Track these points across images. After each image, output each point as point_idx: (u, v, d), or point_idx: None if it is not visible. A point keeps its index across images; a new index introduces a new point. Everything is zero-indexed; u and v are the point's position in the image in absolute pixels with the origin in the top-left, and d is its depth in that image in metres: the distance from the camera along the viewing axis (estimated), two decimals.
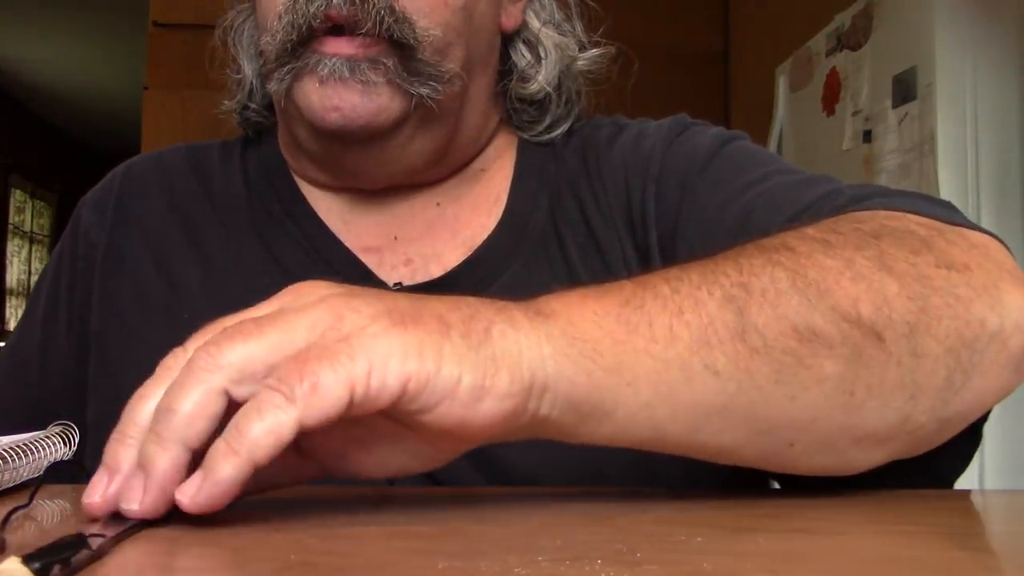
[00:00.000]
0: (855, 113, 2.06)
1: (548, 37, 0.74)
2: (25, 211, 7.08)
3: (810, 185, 0.61)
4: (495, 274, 0.68)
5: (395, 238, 0.70)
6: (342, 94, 0.63)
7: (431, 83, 0.65)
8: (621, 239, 0.68)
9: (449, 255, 0.70)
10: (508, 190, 0.72)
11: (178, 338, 0.67)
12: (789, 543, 0.36)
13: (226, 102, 0.77)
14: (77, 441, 0.58)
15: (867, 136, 1.99)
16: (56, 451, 0.55)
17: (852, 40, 2.11)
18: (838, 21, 2.20)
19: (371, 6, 0.62)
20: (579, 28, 0.76)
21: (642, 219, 0.68)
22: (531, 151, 0.75)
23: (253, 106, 0.75)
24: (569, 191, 0.71)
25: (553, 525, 0.40)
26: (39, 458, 0.52)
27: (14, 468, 0.49)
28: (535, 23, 0.74)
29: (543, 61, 0.73)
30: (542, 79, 0.73)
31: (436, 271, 0.69)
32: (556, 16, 0.75)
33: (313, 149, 0.69)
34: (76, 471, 0.56)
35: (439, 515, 0.43)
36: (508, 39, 0.74)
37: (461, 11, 0.66)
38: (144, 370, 0.67)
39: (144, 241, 0.72)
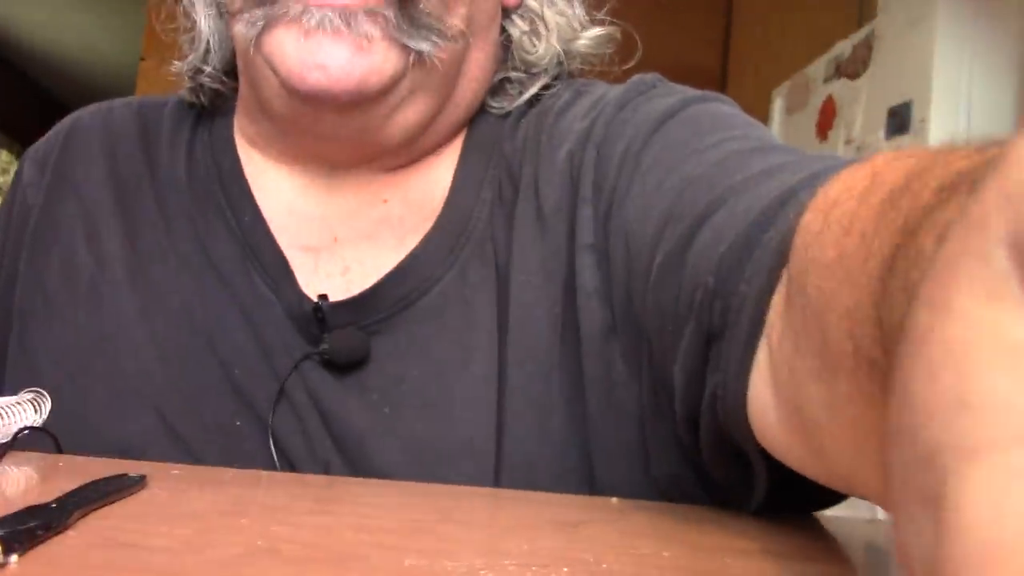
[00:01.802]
0: (848, 142, 2.08)
1: (549, 14, 0.67)
2: (11, 172, 7.02)
3: (761, 154, 0.49)
4: (424, 287, 0.61)
5: (335, 239, 0.64)
6: (329, 49, 0.54)
7: (432, 38, 0.58)
8: (562, 227, 0.60)
9: (389, 264, 0.62)
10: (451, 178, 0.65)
11: (102, 322, 0.63)
12: (756, 565, 0.36)
13: (176, 63, 0.67)
14: (48, 409, 0.57)
15: None
16: (25, 417, 0.55)
17: (850, 69, 2.12)
18: (838, 49, 2.21)
19: None
20: (580, 11, 0.70)
21: (578, 197, 0.59)
22: (483, 125, 0.67)
23: (208, 69, 0.66)
24: (518, 172, 0.63)
25: (520, 528, 0.40)
26: (7, 424, 0.52)
27: None
28: (534, 2, 0.68)
29: (543, 35, 0.67)
30: (543, 51, 0.66)
31: (371, 283, 0.62)
32: None
33: (280, 111, 0.61)
34: (45, 438, 0.55)
35: (407, 510, 0.42)
36: (506, 16, 0.67)
37: None
38: (64, 354, 0.63)
39: (79, 208, 0.66)
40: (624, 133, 0.58)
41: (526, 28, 0.67)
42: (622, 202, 0.55)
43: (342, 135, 0.61)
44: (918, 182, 0.25)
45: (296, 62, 0.55)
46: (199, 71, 0.66)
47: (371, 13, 0.55)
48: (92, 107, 0.72)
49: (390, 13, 0.55)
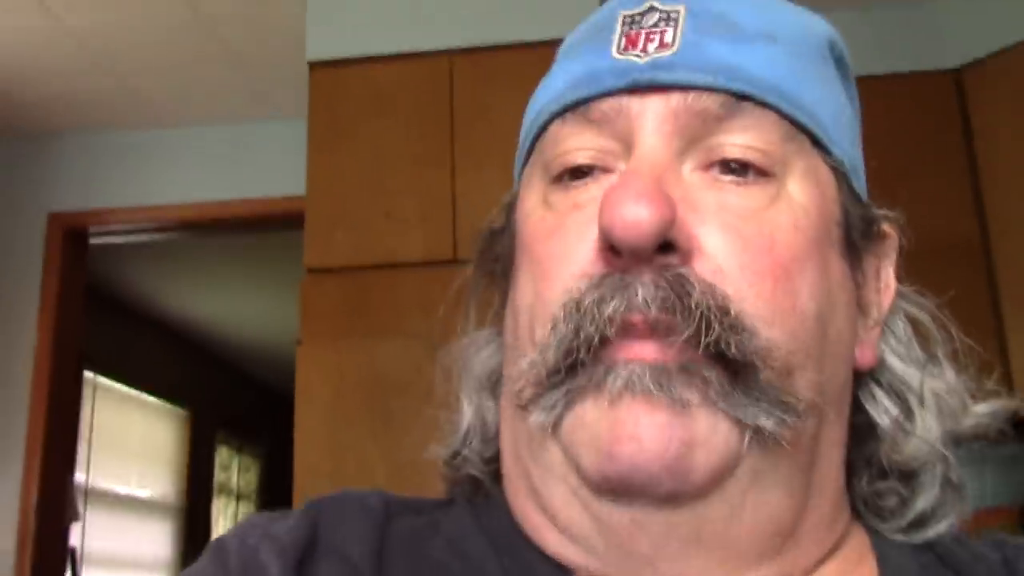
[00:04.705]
0: None
1: (922, 381, 0.54)
2: (231, 468, 7.03)
3: None
4: None
5: None
6: (640, 419, 0.44)
7: (776, 412, 0.45)
8: None
9: None
10: None
11: None
12: None
13: (435, 447, 0.61)
14: None
15: None
16: None
17: None
18: None
19: (694, 307, 0.44)
20: (950, 372, 0.55)
21: None
22: (901, 559, 0.52)
23: (465, 453, 0.58)
24: None
25: None
26: None
27: None
28: (896, 363, 0.55)
29: (917, 414, 0.53)
30: (919, 441, 0.52)
31: None
32: (920, 356, 0.55)
33: (577, 518, 0.48)
34: None
35: None
36: (860, 385, 0.54)
37: (814, 323, 0.48)
38: None
39: None
40: None
41: (893, 409, 0.54)
42: None
43: (673, 544, 0.47)
44: None
45: (604, 436, 0.45)
46: (456, 454, 0.59)
47: (688, 372, 0.45)
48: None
49: (713, 375, 0.45)
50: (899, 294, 0.56)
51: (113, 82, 3.10)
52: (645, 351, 0.45)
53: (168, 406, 5.91)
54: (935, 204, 2.57)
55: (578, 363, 0.46)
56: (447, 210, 2.32)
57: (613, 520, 0.47)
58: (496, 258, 0.58)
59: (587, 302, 0.46)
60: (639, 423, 0.44)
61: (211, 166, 3.35)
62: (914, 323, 0.57)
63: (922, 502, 0.53)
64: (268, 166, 3.28)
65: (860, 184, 0.54)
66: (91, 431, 4.84)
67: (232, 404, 6.94)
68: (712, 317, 0.44)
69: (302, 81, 2.67)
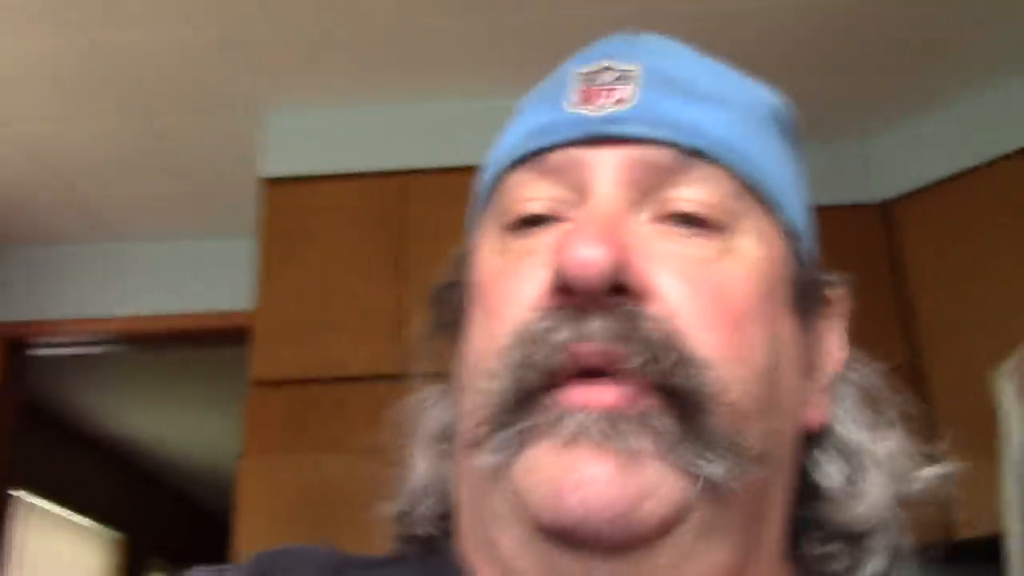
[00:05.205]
0: None
1: (869, 445, 0.55)
2: None
3: None
4: None
5: None
6: (591, 466, 0.44)
7: (728, 459, 0.45)
8: None
9: None
10: None
11: None
12: None
13: (385, 505, 0.60)
14: None
15: None
16: None
17: None
18: None
19: (644, 341, 0.45)
20: (898, 436, 0.56)
21: None
22: None
23: (420, 510, 0.57)
24: None
25: None
26: None
27: None
28: (845, 425, 0.55)
29: (864, 478, 0.54)
30: (868, 503, 0.53)
31: None
32: (868, 420, 0.56)
33: (526, 564, 0.48)
34: None
35: None
36: (807, 449, 0.55)
37: (765, 376, 0.48)
38: None
39: None
40: None
41: (841, 471, 0.54)
42: None
43: None
44: None
45: (549, 485, 0.44)
46: (406, 513, 0.58)
47: (641, 421, 0.45)
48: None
49: (665, 423, 0.45)
50: (847, 358, 0.57)
51: (60, 194, 3.11)
52: (598, 396, 0.45)
53: (102, 529, 5.73)
54: (863, 330, 2.65)
55: (530, 397, 0.46)
56: (394, 326, 2.34)
57: (561, 566, 0.46)
58: (448, 312, 0.59)
59: (538, 330, 0.46)
60: (588, 474, 0.44)
61: (154, 281, 3.34)
62: (862, 388, 0.57)
63: (870, 568, 0.53)
64: (213, 281, 3.28)
65: (808, 248, 0.56)
66: (20, 555, 4.67)
67: (169, 528, 6.75)
68: (664, 348, 0.45)
69: (249, 197, 2.71)
